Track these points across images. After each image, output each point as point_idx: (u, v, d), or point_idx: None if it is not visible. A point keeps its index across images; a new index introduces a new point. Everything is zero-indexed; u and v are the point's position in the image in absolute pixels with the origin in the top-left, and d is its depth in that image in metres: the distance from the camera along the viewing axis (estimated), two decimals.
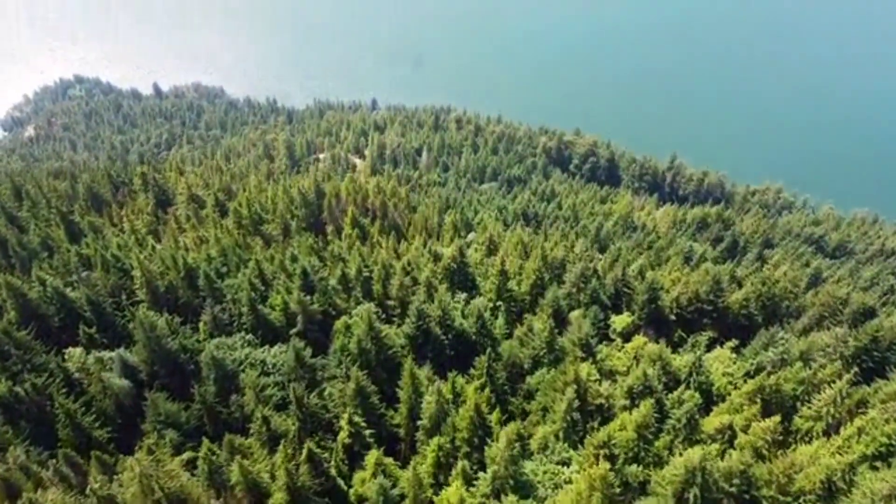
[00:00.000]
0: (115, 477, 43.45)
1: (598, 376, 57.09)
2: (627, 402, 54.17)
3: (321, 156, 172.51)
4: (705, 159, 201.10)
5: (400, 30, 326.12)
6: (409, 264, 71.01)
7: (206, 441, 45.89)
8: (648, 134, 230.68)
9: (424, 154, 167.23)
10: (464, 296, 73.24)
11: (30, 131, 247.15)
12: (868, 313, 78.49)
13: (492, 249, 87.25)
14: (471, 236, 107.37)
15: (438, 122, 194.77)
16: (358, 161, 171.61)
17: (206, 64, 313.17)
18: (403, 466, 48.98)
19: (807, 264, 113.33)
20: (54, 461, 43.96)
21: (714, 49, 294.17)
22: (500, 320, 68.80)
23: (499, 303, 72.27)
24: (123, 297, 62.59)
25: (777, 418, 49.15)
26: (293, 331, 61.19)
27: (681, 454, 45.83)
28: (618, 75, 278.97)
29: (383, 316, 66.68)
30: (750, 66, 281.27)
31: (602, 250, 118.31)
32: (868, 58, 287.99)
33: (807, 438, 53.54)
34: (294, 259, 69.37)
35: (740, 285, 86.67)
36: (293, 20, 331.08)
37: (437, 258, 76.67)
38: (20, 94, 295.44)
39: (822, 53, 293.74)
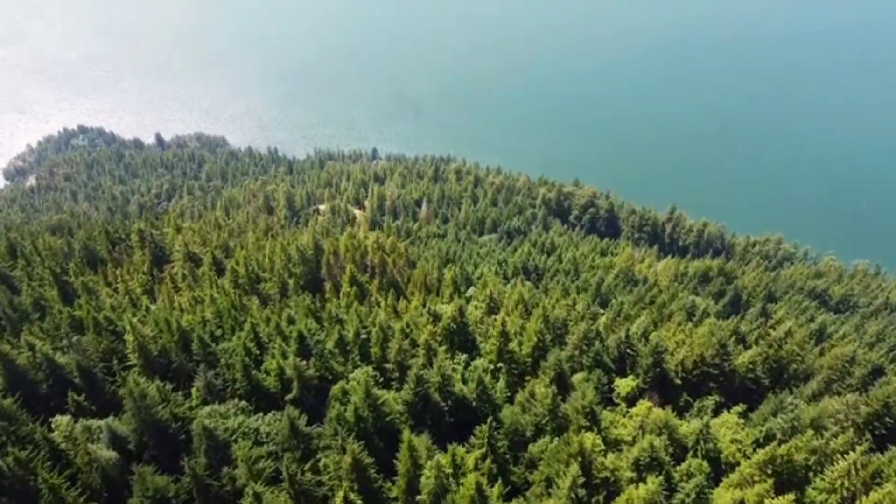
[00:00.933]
0: None
1: (603, 446, 55.16)
2: (634, 475, 52.18)
3: (321, 207, 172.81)
4: (704, 209, 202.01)
5: (401, 81, 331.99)
6: (407, 326, 69.66)
7: None
8: (647, 184, 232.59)
9: (424, 205, 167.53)
10: (464, 357, 71.80)
11: (31, 181, 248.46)
12: (876, 372, 77.07)
13: (492, 307, 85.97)
14: (470, 291, 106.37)
15: (438, 173, 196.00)
16: (358, 212, 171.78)
17: (209, 114, 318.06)
18: None
19: (811, 319, 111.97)
20: None
21: (711, 100, 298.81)
22: (501, 383, 67.18)
23: (499, 364, 70.88)
24: (115, 361, 60.97)
25: (791, 496, 47.17)
26: (288, 397, 59.47)
27: None
28: (617, 126, 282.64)
29: (381, 380, 65.05)
30: (747, 117, 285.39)
31: (603, 305, 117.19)
32: (867, 107, 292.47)
33: None
34: (291, 321, 68.09)
35: (745, 342, 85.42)
36: (297, 72, 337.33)
37: (436, 318, 75.37)
38: (24, 143, 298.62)
39: (820, 102, 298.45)
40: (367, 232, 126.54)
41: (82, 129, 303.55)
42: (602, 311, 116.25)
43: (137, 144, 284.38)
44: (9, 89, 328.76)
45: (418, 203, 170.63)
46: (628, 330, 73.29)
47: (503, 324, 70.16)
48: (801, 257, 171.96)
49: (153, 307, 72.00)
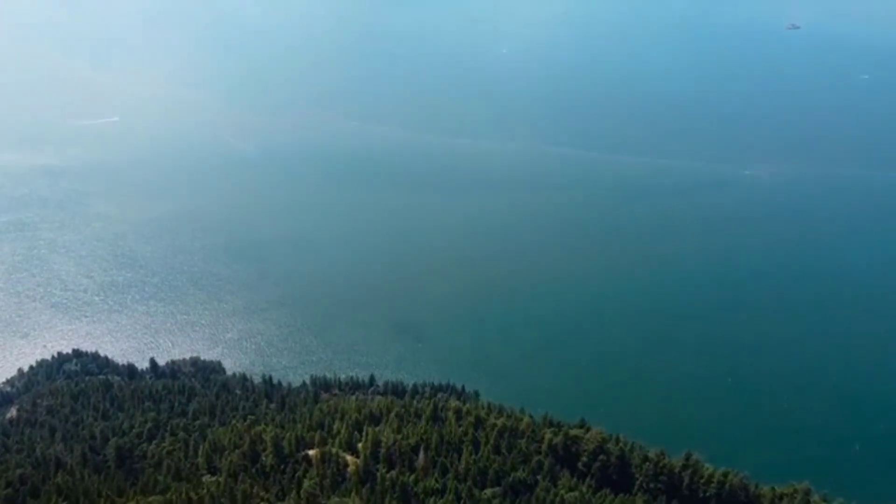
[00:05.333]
0: None
1: None
2: None
3: (311, 452, 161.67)
4: (720, 448, 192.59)
5: (402, 305, 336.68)
6: None
7: None
8: (656, 421, 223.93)
9: (421, 454, 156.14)
10: None
11: (13, 412, 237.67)
12: None
13: None
14: None
15: (437, 412, 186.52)
16: (350, 459, 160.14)
17: (207, 338, 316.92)
18: None
19: None
20: None
21: (720, 335, 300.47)
22: None
23: None
24: None
25: None
26: None
27: None
28: (623, 359, 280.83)
29: None
30: (756, 346, 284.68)
31: None
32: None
33: None
34: None
35: None
36: (300, 298, 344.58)
37: None
38: (16, 367, 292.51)
39: (836, 334, 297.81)
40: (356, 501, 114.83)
41: (77, 354, 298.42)
42: None
43: (131, 371, 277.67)
44: (13, 314, 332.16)
45: (415, 449, 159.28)
46: None
47: None
48: None
49: None
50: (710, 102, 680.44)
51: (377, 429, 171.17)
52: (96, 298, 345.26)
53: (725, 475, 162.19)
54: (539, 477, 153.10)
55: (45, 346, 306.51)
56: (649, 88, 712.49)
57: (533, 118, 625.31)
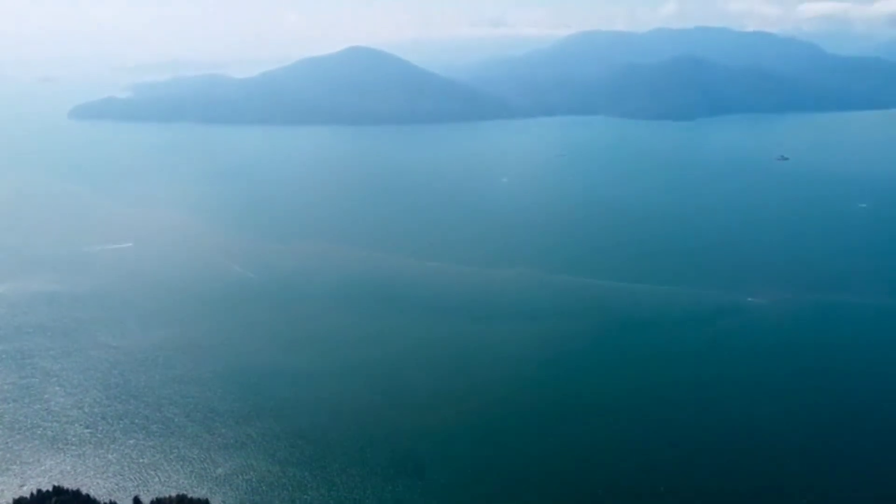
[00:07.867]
0: None
1: None
2: None
3: None
4: None
5: (401, 440, 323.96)
6: None
7: None
8: None
9: None
10: None
11: None
12: None
13: None
14: None
15: None
16: None
17: (196, 474, 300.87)
18: None
19: None
20: None
21: (732, 470, 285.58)
22: None
23: None
24: None
25: None
26: None
27: None
28: (630, 496, 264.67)
29: None
30: (774, 481, 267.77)
31: None
32: None
33: None
34: None
35: None
36: (296, 433, 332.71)
37: None
38: None
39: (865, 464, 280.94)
40: None
41: (57, 491, 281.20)
42: None
43: None
44: None
45: None
46: None
47: None
48: None
49: None
50: (708, 231, 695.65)
51: None
52: (85, 431, 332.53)
53: None
54: None
55: (21, 486, 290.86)
56: (648, 219, 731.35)
57: (534, 245, 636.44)
